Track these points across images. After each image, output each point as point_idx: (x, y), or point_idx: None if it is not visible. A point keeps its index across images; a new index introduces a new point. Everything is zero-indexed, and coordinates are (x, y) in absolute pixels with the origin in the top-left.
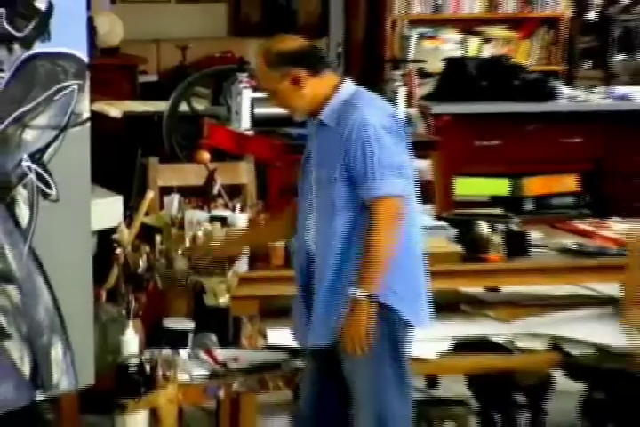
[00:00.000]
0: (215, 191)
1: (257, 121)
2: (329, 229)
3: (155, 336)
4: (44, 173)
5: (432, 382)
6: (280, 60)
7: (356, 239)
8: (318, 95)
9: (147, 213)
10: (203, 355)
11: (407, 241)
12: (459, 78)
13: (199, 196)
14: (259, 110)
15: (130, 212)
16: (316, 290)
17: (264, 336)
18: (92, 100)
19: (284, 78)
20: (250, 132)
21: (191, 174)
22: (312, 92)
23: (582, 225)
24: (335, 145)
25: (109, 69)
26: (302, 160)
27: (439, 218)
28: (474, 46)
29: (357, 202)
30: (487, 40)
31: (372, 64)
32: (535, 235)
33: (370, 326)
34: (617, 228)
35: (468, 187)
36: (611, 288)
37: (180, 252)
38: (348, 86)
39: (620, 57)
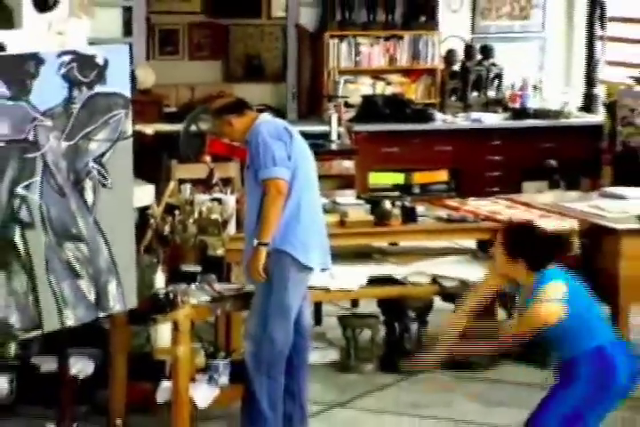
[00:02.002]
0: (214, 182)
1: None
2: (252, 202)
3: (175, 275)
4: (102, 170)
5: (355, 303)
6: (219, 111)
7: (261, 209)
8: (245, 127)
9: (170, 196)
10: (206, 287)
11: (296, 209)
12: (370, 108)
13: (203, 184)
14: None
15: (158, 195)
16: (245, 244)
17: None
18: (134, 123)
19: (223, 122)
20: (236, 144)
21: (198, 171)
22: (241, 127)
23: (450, 202)
24: (253, 154)
25: (145, 103)
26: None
27: (358, 198)
28: (380, 87)
29: (261, 184)
30: (389, 83)
31: (315, 99)
32: (420, 209)
33: (260, 263)
34: (472, 204)
35: (377, 178)
36: (469, 243)
37: (191, 221)
38: (263, 117)
39: (474, 94)
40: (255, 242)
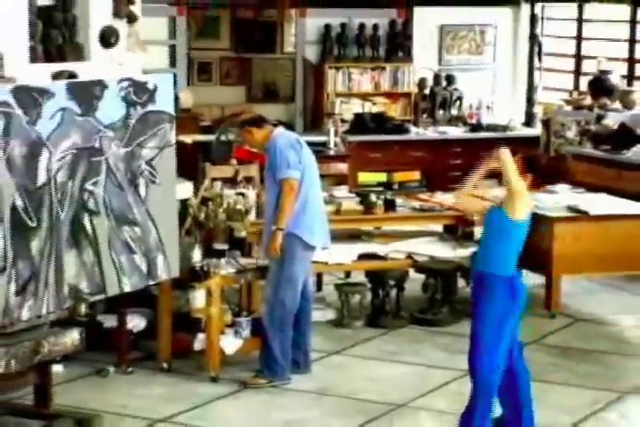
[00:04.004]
0: (239, 180)
1: None
2: (270, 197)
3: (208, 252)
4: (152, 170)
5: (347, 274)
6: (243, 124)
7: (278, 202)
8: (263, 137)
9: (205, 191)
10: (232, 261)
11: (304, 201)
12: (360, 123)
13: (230, 182)
14: None
15: (196, 190)
16: (265, 229)
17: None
18: (176, 134)
19: (245, 132)
20: (255, 150)
21: (226, 171)
22: (260, 137)
23: (422, 196)
24: (269, 158)
25: (185, 119)
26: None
27: (350, 192)
28: (367, 107)
29: (277, 183)
30: (374, 104)
31: (317, 116)
32: (399, 200)
33: (278, 243)
34: (439, 197)
35: (365, 177)
36: (436, 227)
37: (221, 210)
38: (278, 131)
39: (440, 112)
40: (273, 227)
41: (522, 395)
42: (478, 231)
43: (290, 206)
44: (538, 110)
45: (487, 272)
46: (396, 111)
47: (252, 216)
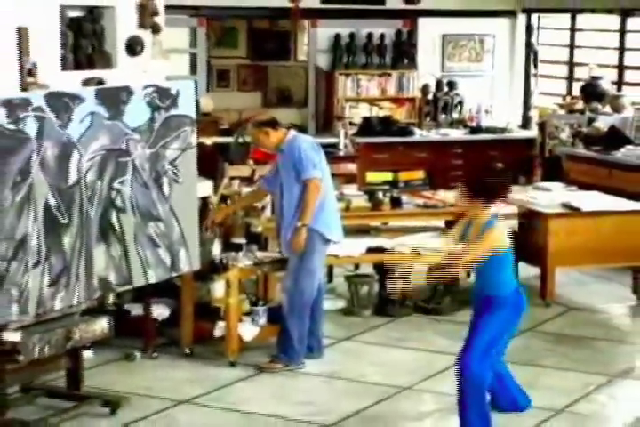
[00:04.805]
0: (255, 178)
1: None
2: (291, 196)
3: (227, 246)
4: (175, 170)
5: (357, 266)
6: (260, 125)
7: (300, 200)
8: (278, 139)
9: (224, 189)
10: (250, 254)
11: (323, 199)
12: (368, 126)
13: (247, 180)
14: None
15: (215, 188)
16: (284, 226)
17: (278, 246)
18: (197, 136)
19: (261, 133)
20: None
21: (244, 170)
22: (275, 138)
23: (425, 194)
24: (288, 159)
25: (205, 122)
26: (275, 165)
27: (359, 190)
28: (375, 111)
29: (300, 182)
30: (381, 108)
31: (328, 119)
32: (404, 198)
33: (302, 238)
34: (441, 195)
35: (372, 176)
36: (438, 222)
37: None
38: (292, 133)
39: (442, 115)
40: (298, 224)
41: (508, 382)
42: None
43: (314, 204)
44: (533, 114)
45: (490, 295)
46: (401, 115)
47: (267, 213)
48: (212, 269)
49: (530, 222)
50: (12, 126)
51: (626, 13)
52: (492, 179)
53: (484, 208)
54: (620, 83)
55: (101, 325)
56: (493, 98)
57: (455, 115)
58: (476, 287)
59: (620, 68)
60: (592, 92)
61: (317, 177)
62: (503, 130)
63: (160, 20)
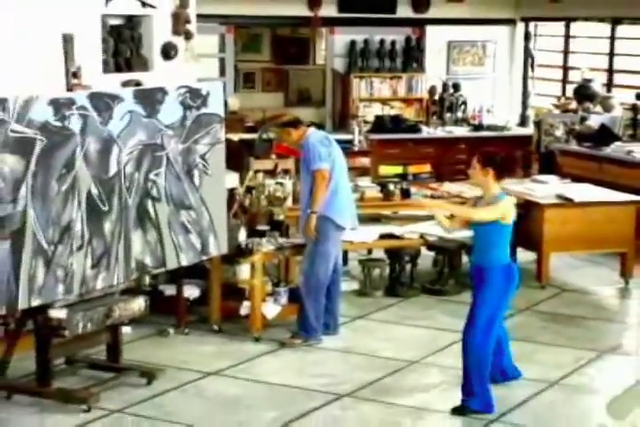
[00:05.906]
0: (278, 171)
1: None
2: (306, 186)
3: (252, 232)
4: (205, 163)
5: (369, 251)
6: (283, 125)
7: (312, 190)
8: (299, 136)
9: (249, 181)
10: (272, 240)
11: (335, 189)
12: (380, 123)
13: (271, 173)
14: None
15: (241, 180)
16: (302, 213)
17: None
18: (226, 132)
19: (284, 132)
20: (292, 147)
21: (268, 164)
22: (296, 136)
23: (432, 185)
24: (303, 153)
25: (232, 120)
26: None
27: (372, 182)
28: (386, 110)
29: (310, 173)
30: (392, 107)
31: (344, 118)
32: (413, 189)
33: (312, 224)
34: (447, 186)
35: (384, 169)
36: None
37: (263, 197)
38: (312, 130)
39: (448, 114)
40: (308, 211)
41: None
42: None
43: (322, 193)
44: (531, 113)
45: (485, 266)
46: (410, 114)
47: (289, 202)
48: (238, 253)
49: (527, 212)
50: (58, 123)
51: (616, 22)
52: (504, 154)
53: (494, 180)
54: (609, 85)
55: (138, 303)
56: (494, 98)
57: (459, 114)
58: (471, 261)
59: (610, 71)
60: (584, 93)
61: (323, 168)
62: (503, 128)
63: (192, 27)
